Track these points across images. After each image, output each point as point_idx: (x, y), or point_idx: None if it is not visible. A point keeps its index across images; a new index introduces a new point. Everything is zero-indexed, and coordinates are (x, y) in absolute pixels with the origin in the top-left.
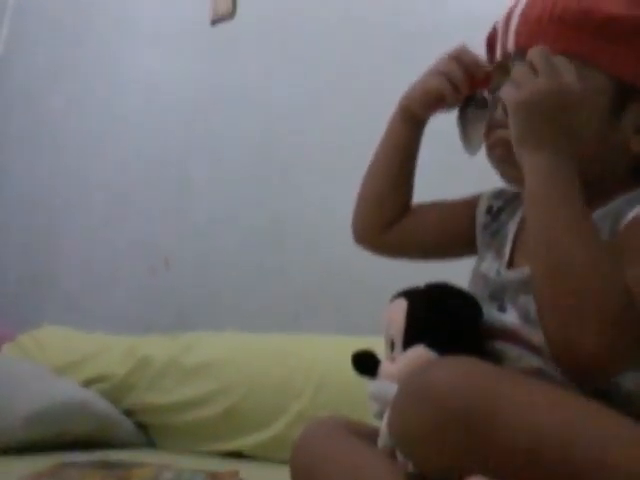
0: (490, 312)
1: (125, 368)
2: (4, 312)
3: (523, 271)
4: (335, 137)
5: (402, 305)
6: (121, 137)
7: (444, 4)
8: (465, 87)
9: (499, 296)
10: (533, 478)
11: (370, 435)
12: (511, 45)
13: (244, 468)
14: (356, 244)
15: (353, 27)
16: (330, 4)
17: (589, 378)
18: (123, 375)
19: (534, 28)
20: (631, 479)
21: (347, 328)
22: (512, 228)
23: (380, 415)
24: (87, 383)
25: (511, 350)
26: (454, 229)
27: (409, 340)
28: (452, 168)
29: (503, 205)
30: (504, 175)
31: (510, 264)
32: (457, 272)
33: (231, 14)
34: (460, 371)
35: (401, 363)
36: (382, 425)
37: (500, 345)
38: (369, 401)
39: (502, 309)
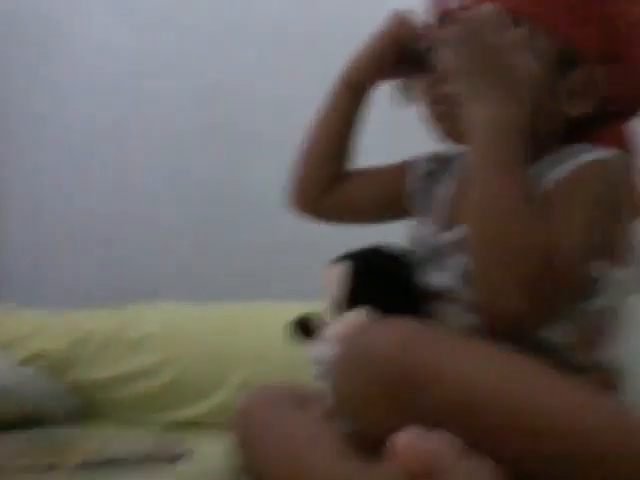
0: (427, 273)
1: (66, 343)
2: None
3: (459, 232)
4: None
5: (342, 268)
6: (70, 103)
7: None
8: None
9: (436, 257)
10: (469, 431)
11: (312, 399)
12: (456, 2)
13: (190, 437)
14: (290, 208)
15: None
16: None
17: (515, 330)
18: (64, 351)
19: None
20: (558, 428)
21: (292, 296)
22: (447, 191)
23: (320, 377)
24: (26, 361)
25: (448, 309)
26: (388, 194)
27: (349, 303)
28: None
29: (437, 169)
30: (444, 131)
31: (446, 227)
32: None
33: None
34: (397, 331)
35: (341, 326)
36: (323, 387)
37: (436, 305)
38: (311, 364)
39: (438, 270)
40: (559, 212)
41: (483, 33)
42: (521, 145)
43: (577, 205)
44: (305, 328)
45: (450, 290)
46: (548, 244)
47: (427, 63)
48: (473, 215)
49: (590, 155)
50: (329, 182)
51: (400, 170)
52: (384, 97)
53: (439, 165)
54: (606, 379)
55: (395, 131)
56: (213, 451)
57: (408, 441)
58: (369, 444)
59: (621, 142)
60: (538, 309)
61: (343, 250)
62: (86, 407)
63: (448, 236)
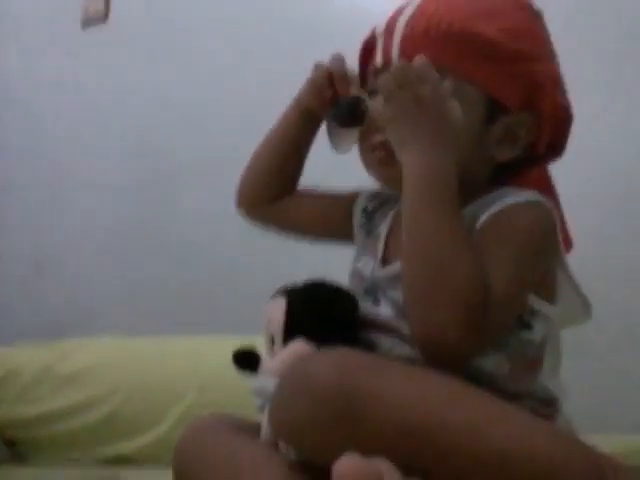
0: (366, 306)
1: None
2: None
3: (394, 268)
4: (213, 141)
5: (281, 302)
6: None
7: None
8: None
9: (373, 291)
10: (408, 456)
11: (253, 430)
12: (396, 53)
13: (125, 473)
14: (237, 209)
15: (227, 29)
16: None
17: (447, 361)
18: None
19: (420, 39)
20: (503, 456)
21: (229, 329)
22: (385, 228)
23: (262, 409)
24: None
25: (384, 341)
26: (331, 221)
27: (288, 336)
28: None
29: (377, 206)
30: (382, 176)
31: (383, 262)
32: (341, 271)
33: (103, 17)
34: (337, 360)
35: (281, 357)
36: (264, 418)
37: (374, 336)
38: (252, 396)
39: (376, 303)
40: (489, 249)
41: (414, 83)
42: (451, 190)
43: (506, 242)
44: (247, 361)
45: (387, 323)
46: (480, 277)
47: (360, 112)
48: (406, 251)
49: (518, 197)
50: (273, 196)
51: (346, 200)
52: None
53: (379, 202)
54: (538, 408)
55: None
56: None
57: (348, 467)
58: (314, 472)
59: (545, 182)
60: (472, 340)
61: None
62: (14, 447)
63: (384, 272)
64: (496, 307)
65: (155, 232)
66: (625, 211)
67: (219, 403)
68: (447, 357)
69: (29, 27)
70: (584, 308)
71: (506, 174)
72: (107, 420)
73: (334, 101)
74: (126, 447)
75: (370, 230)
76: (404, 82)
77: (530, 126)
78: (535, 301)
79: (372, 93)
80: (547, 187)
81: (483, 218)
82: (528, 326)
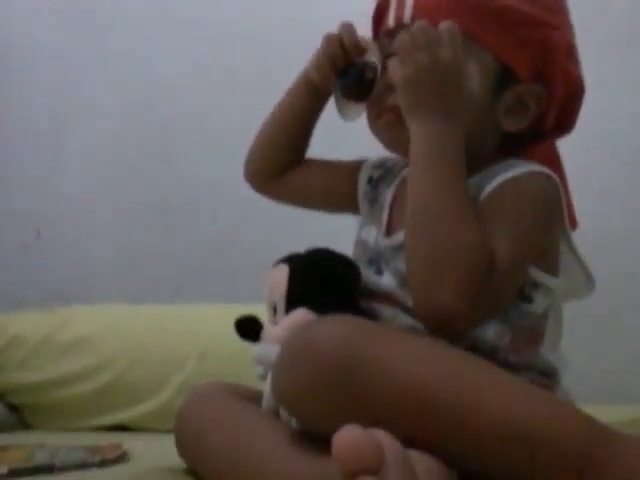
0: (368, 276)
1: None
2: None
3: (398, 238)
4: (216, 108)
5: (284, 270)
6: None
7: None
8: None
9: (376, 261)
10: (411, 425)
11: (254, 398)
12: (408, 16)
13: (127, 440)
14: (245, 181)
15: None
16: None
17: (449, 331)
18: None
19: (433, 2)
20: (503, 425)
21: (232, 298)
22: (389, 197)
23: (264, 377)
24: None
25: (386, 311)
26: (337, 190)
27: (291, 304)
28: None
29: (382, 175)
30: (388, 140)
31: (387, 232)
32: (346, 241)
33: None
34: (340, 327)
35: (283, 325)
36: (265, 386)
37: (376, 306)
38: (253, 364)
39: (379, 273)
40: (493, 218)
41: (435, 45)
42: (459, 158)
43: (510, 211)
44: (249, 328)
45: (390, 293)
46: (483, 245)
47: (371, 76)
48: (410, 219)
49: (523, 168)
50: (281, 168)
51: (351, 169)
52: None
53: (384, 171)
54: (538, 379)
55: None
56: (151, 454)
57: (348, 439)
58: (315, 441)
59: (553, 159)
60: (472, 308)
61: (280, 253)
62: (16, 413)
63: (388, 242)
64: (499, 276)
65: (156, 199)
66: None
67: (220, 371)
68: (449, 326)
69: None
70: (587, 281)
71: (513, 147)
72: (108, 388)
73: (343, 69)
74: (127, 415)
75: (374, 199)
76: (424, 43)
77: (540, 97)
78: (537, 273)
79: (385, 57)
80: (555, 164)
81: (488, 189)
82: (529, 299)
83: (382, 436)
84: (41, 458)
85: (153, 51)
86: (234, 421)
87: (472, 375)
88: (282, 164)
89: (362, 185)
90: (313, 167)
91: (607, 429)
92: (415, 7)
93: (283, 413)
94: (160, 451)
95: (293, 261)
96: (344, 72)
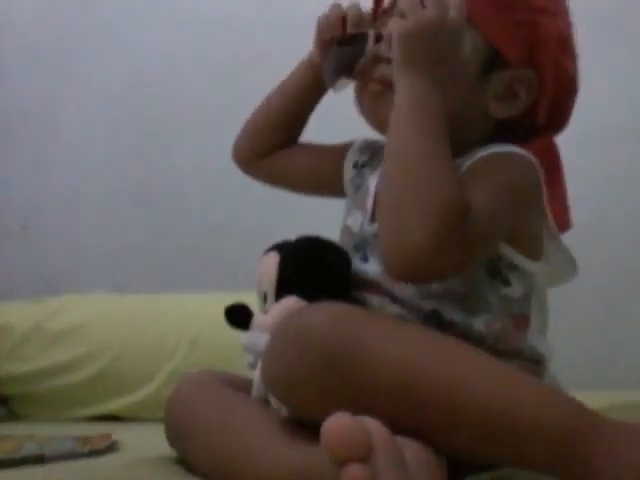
0: (355, 263)
1: None
2: None
3: None
4: (206, 93)
5: (274, 258)
6: None
7: None
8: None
9: (362, 248)
10: (401, 411)
11: (244, 386)
12: None
13: (117, 430)
14: (233, 160)
15: None
16: None
17: (417, 275)
18: None
19: None
20: (491, 410)
21: (222, 286)
22: (374, 182)
23: (253, 366)
24: None
25: (374, 300)
26: (322, 173)
27: (281, 292)
28: None
29: (368, 159)
30: (373, 114)
31: (373, 218)
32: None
33: None
34: (330, 314)
35: (273, 313)
36: (255, 375)
37: (364, 295)
38: (243, 353)
39: (365, 260)
40: (472, 180)
41: (447, 5)
42: (440, 121)
43: (487, 180)
44: (239, 316)
45: (376, 281)
46: (455, 188)
47: (364, 45)
48: (386, 170)
49: (506, 148)
50: (267, 148)
51: (338, 153)
52: None
53: (370, 155)
54: (526, 366)
55: None
56: (141, 444)
57: (337, 426)
58: (304, 429)
59: (550, 154)
60: (441, 249)
61: (271, 241)
62: (4, 404)
63: (374, 227)
64: (472, 227)
65: (147, 189)
66: None
67: (210, 360)
68: (417, 268)
69: None
70: (570, 266)
71: (507, 140)
72: (98, 377)
73: (341, 40)
74: (118, 404)
75: (360, 184)
76: (432, 4)
77: (531, 85)
78: (514, 255)
79: (377, 35)
80: (553, 162)
81: (468, 163)
82: (506, 281)
83: (371, 423)
84: (30, 449)
85: (140, 43)
86: (224, 410)
87: (459, 361)
88: (274, 144)
89: (348, 170)
90: (300, 149)
91: (594, 415)
92: None
93: (273, 401)
94: (150, 440)
95: (283, 249)
96: (341, 43)
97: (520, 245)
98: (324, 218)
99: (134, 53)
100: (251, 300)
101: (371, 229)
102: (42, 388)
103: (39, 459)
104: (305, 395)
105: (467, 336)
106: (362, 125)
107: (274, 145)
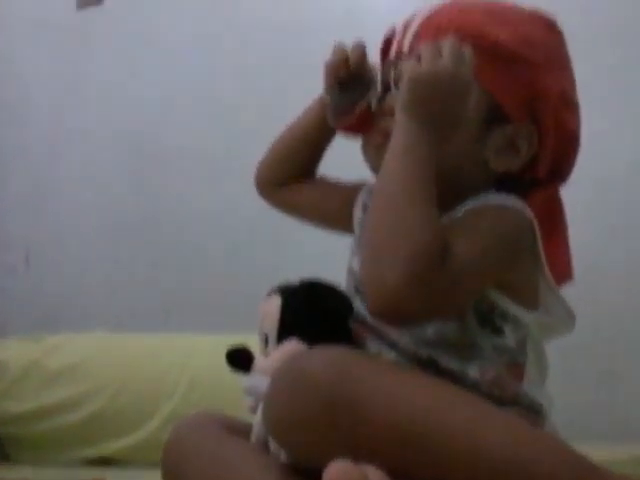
0: (355, 306)
1: None
2: None
3: None
4: (204, 135)
5: (276, 301)
6: None
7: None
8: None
9: (362, 290)
10: (402, 459)
11: (243, 430)
12: (407, 45)
13: (112, 474)
14: (255, 188)
15: (225, 13)
16: None
17: (398, 318)
18: None
19: (432, 33)
20: (495, 463)
21: (220, 326)
22: None
23: (254, 410)
24: None
25: (372, 344)
26: (329, 208)
27: (283, 335)
28: None
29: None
30: (376, 164)
31: None
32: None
33: None
34: (331, 358)
35: (274, 357)
36: (255, 419)
37: (363, 338)
38: (243, 396)
39: (365, 302)
40: (457, 224)
41: (462, 59)
42: (430, 164)
43: (474, 228)
44: (240, 359)
45: (376, 325)
46: (436, 232)
47: (371, 92)
48: (373, 197)
49: (501, 198)
50: (283, 177)
51: (352, 191)
52: None
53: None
54: (524, 415)
55: None
56: None
57: (338, 474)
58: (304, 475)
59: (552, 207)
60: (419, 293)
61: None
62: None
63: None
64: (451, 272)
65: (147, 227)
66: None
67: (209, 400)
68: (397, 311)
69: (23, 7)
70: (568, 319)
71: (508, 190)
72: (95, 417)
73: (345, 81)
74: (114, 446)
75: (362, 226)
76: (451, 53)
77: (532, 139)
78: (509, 305)
79: (385, 86)
80: (553, 212)
81: (458, 213)
82: (499, 331)
83: (371, 471)
84: None
85: (138, 76)
86: (221, 456)
87: (463, 408)
88: (289, 174)
89: (357, 211)
90: (312, 183)
91: (593, 466)
92: (415, 36)
93: (273, 445)
94: None
95: (285, 292)
96: (343, 84)
97: (516, 295)
98: (325, 259)
99: (131, 96)
100: (251, 342)
101: None
102: (37, 429)
103: None
104: (305, 439)
105: (463, 383)
106: None
107: (289, 175)
